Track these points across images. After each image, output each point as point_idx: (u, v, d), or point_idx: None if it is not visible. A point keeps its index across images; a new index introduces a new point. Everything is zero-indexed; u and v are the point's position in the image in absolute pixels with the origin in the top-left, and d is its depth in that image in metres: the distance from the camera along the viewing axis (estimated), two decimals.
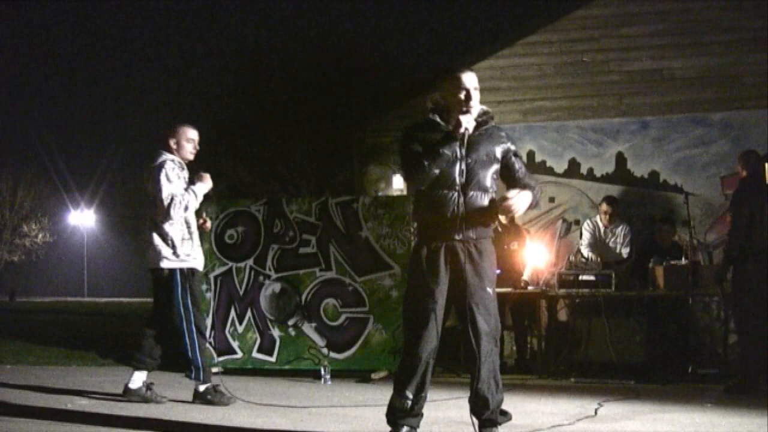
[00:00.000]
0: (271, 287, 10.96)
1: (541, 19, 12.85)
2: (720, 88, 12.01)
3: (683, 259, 10.31)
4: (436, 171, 5.75)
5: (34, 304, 42.79)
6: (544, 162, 12.58)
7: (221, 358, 10.92)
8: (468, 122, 5.79)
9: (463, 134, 5.75)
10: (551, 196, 12.45)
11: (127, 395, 8.07)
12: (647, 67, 12.30)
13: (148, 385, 8.15)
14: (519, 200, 5.79)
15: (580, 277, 10.42)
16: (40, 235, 59.09)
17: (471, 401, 5.88)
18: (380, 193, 12.54)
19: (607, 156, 12.40)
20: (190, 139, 8.22)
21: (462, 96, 5.88)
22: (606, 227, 11.39)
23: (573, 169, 12.47)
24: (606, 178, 12.31)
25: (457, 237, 5.80)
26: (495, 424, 5.91)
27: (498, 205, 5.84)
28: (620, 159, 12.32)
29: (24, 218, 58.47)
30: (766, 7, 11.70)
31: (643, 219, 11.99)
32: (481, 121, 5.97)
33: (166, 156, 8.11)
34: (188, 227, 8.17)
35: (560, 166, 12.52)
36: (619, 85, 12.40)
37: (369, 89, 20.96)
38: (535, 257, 11.23)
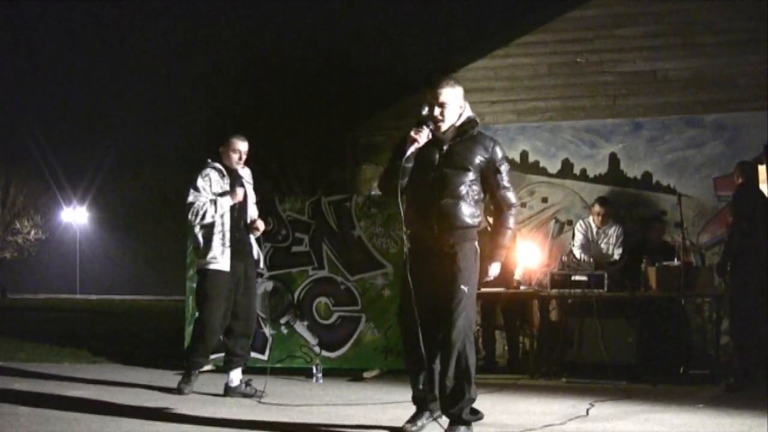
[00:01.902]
0: (264, 285, 10.95)
1: (535, 20, 12.85)
2: (713, 89, 12.02)
3: (675, 260, 10.32)
4: (403, 182, 6.09)
5: (26, 301, 42.70)
6: (537, 162, 12.58)
7: (213, 356, 10.89)
8: (419, 134, 6.05)
9: (412, 144, 6.05)
10: (544, 197, 12.48)
11: (230, 393, 8.53)
12: (641, 68, 12.31)
13: (247, 382, 8.62)
14: (492, 273, 6.29)
15: (573, 278, 10.42)
16: (32, 232, 59.00)
17: (440, 397, 6.12)
18: (373, 193, 12.53)
19: (600, 157, 12.41)
20: (236, 149, 8.63)
21: (427, 110, 6.20)
22: (598, 228, 11.40)
23: (566, 170, 12.48)
24: (599, 179, 12.32)
25: (433, 243, 6.08)
26: (463, 422, 6.06)
27: (481, 271, 6.25)
28: (613, 160, 12.34)
29: (16, 215, 58.35)
30: (760, 8, 11.71)
31: (635, 220, 12.00)
32: (462, 130, 6.20)
33: (210, 163, 8.65)
34: (215, 231, 8.51)
35: (553, 167, 12.53)
36: (612, 86, 12.41)
37: (363, 88, 20.94)
38: (527, 257, 11.24)
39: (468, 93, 11.98)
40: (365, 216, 10.78)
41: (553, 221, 12.27)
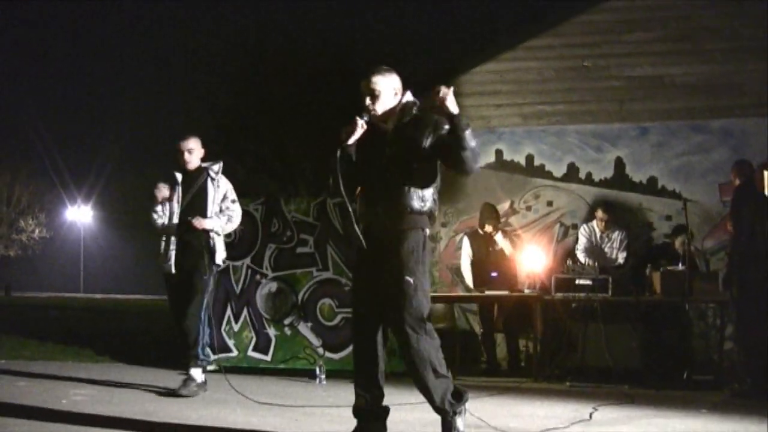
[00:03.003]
0: (268, 286, 10.98)
1: (543, 24, 12.84)
2: (720, 95, 12.02)
3: (680, 265, 10.31)
4: (337, 179, 5.86)
5: (30, 300, 42.75)
6: (542, 166, 12.58)
7: (217, 357, 10.92)
8: (353, 125, 5.89)
9: (349, 136, 5.88)
10: (549, 200, 12.47)
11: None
12: (648, 74, 12.30)
13: (185, 380, 8.60)
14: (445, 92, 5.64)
15: (577, 281, 10.43)
16: (36, 231, 59.15)
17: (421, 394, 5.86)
18: None
19: (606, 161, 12.40)
20: (180, 150, 8.79)
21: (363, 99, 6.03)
22: (602, 233, 11.41)
23: (572, 174, 12.48)
24: (604, 183, 12.32)
25: (379, 231, 5.85)
26: (447, 412, 5.77)
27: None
28: (619, 164, 12.33)
29: (21, 213, 58.52)
30: (767, 15, 11.70)
31: (641, 225, 12.00)
32: (402, 114, 5.99)
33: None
34: (162, 234, 8.82)
35: (559, 171, 12.52)
36: (619, 91, 12.40)
37: None
38: (532, 261, 11.23)
39: (474, 95, 12.02)
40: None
41: (558, 225, 12.27)
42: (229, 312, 11.04)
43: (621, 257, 11.24)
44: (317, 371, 10.12)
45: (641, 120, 12.30)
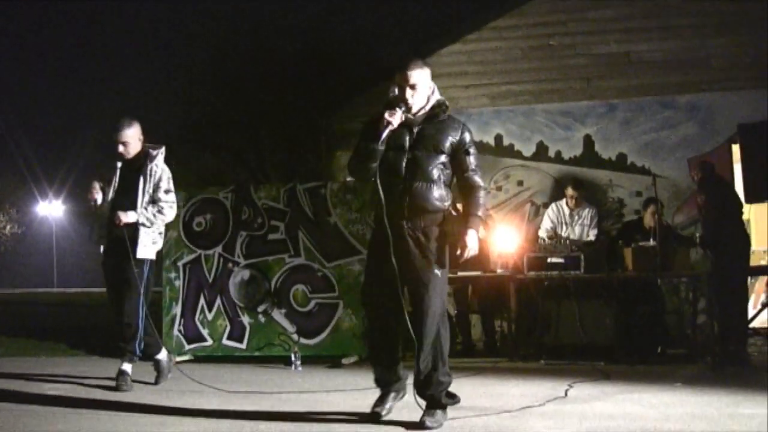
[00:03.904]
0: (240, 274, 10.94)
1: (507, 4, 12.86)
2: (687, 71, 12.07)
3: (651, 240, 10.34)
4: (373, 165, 6.10)
5: (3, 296, 42.46)
6: (512, 146, 12.60)
7: (191, 346, 10.91)
8: (393, 116, 6.04)
9: (386, 127, 6.03)
10: (519, 180, 12.51)
11: None
12: (614, 51, 12.35)
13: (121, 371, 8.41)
14: (471, 242, 6.17)
15: (549, 260, 10.44)
16: (8, 227, 58.75)
17: (415, 380, 6.14)
18: (349, 179, 12.51)
19: (574, 139, 12.44)
20: (115, 141, 8.48)
21: (396, 92, 6.21)
22: (572, 210, 11.42)
23: (541, 153, 12.51)
24: (574, 161, 12.36)
25: (403, 224, 6.08)
26: (439, 404, 6.10)
27: (454, 246, 6.22)
28: (588, 142, 12.37)
29: None
30: None
31: (611, 201, 12.05)
32: (432, 114, 6.25)
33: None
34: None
35: (528, 150, 12.55)
36: (586, 69, 12.44)
37: (336, 75, 20.88)
38: (504, 240, 11.23)
39: (441, 77, 11.99)
40: (341, 203, 10.78)
41: (529, 204, 12.31)
42: (202, 301, 10.99)
43: (592, 234, 11.25)
44: (292, 358, 10.11)
45: (609, 97, 12.35)
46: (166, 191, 8.48)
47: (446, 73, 12.50)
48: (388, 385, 6.36)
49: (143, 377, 8.69)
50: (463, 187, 6.35)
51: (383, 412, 6.25)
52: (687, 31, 12.09)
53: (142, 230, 8.34)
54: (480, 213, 6.28)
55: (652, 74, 12.19)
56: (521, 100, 12.64)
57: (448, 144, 6.17)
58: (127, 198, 8.36)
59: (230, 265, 11.00)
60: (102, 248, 8.51)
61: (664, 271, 10.16)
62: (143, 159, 8.46)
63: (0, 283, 55.94)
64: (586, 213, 11.39)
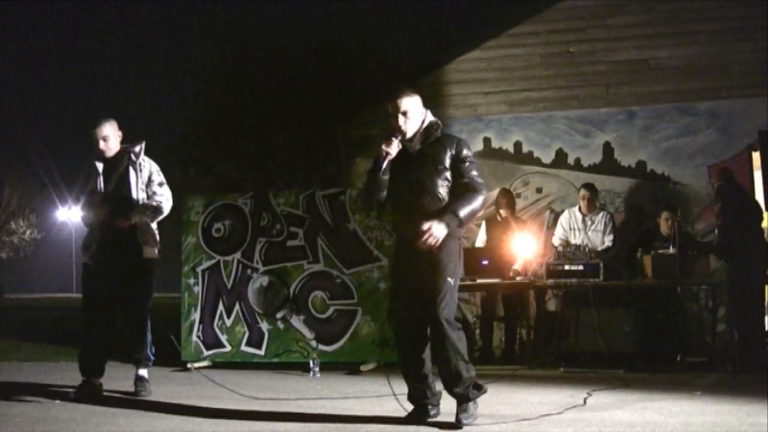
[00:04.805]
0: (259, 280, 10.95)
1: (527, 10, 12.84)
2: (706, 77, 12.03)
3: (671, 248, 10.30)
4: (383, 194, 6.51)
5: (23, 301, 42.69)
6: (531, 153, 12.58)
7: (210, 352, 10.91)
8: (390, 146, 6.39)
9: (386, 157, 6.39)
10: (539, 187, 12.48)
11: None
12: (633, 57, 12.31)
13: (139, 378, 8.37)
14: (436, 232, 6.21)
15: (568, 267, 10.41)
16: (28, 232, 58.93)
17: (443, 380, 6.43)
18: None
19: (594, 146, 12.41)
20: (93, 139, 8.25)
21: (390, 122, 6.50)
22: (584, 216, 11.33)
23: (560, 160, 12.48)
24: (593, 168, 12.32)
25: (414, 238, 6.27)
26: (468, 398, 6.41)
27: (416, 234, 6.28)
28: (607, 149, 12.34)
29: (12, 215, 58.27)
30: None
31: (630, 209, 12.01)
32: (428, 134, 6.55)
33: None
34: (88, 224, 8.35)
35: (547, 157, 12.53)
36: (605, 76, 12.41)
37: (355, 82, 20.92)
38: (523, 248, 11.21)
39: (460, 84, 12.05)
40: (360, 209, 10.77)
41: (548, 211, 12.27)
42: (221, 307, 11.00)
43: (608, 240, 11.15)
44: (311, 364, 10.11)
45: (628, 104, 12.31)
46: (160, 184, 8.30)
47: (465, 80, 12.52)
48: (421, 399, 6.55)
49: (162, 383, 8.71)
50: (458, 189, 6.46)
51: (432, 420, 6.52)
52: (706, 37, 12.05)
53: (143, 229, 8.15)
54: (462, 214, 6.29)
55: (671, 81, 12.15)
56: (540, 107, 12.62)
57: (447, 158, 6.46)
58: (120, 198, 8.11)
59: (249, 271, 11.01)
60: (88, 256, 8.16)
61: (683, 278, 10.13)
62: (126, 157, 8.21)
63: (20, 288, 56.26)
64: (600, 218, 11.26)
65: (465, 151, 6.50)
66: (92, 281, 8.16)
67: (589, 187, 11.39)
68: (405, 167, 6.45)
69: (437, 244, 6.23)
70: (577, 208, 11.40)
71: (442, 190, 6.40)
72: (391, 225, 6.73)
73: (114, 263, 8.04)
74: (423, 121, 6.56)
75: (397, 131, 6.42)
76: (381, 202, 6.57)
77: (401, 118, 6.42)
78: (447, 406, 6.57)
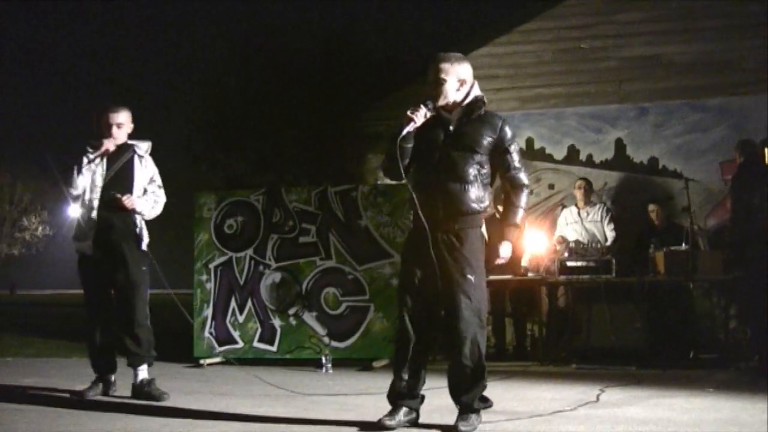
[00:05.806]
0: (272, 277, 10.98)
1: (538, 7, 12.85)
2: (718, 73, 12.01)
3: (683, 244, 10.29)
4: (404, 163, 5.87)
5: (35, 297, 42.80)
6: (543, 149, 12.58)
7: (222, 348, 10.94)
8: (416, 114, 5.84)
9: (409, 123, 5.81)
10: (551, 183, 12.48)
11: (134, 394, 7.85)
12: (645, 53, 12.30)
13: (149, 382, 7.91)
14: (504, 253, 6.11)
15: (581, 264, 10.41)
16: (39, 228, 59.17)
17: (450, 385, 6.02)
18: (379, 182, 12.53)
19: (605, 142, 12.40)
20: (106, 123, 7.94)
21: (428, 86, 6.00)
22: (580, 209, 11.36)
23: (572, 156, 12.48)
24: (605, 165, 12.32)
25: (436, 226, 5.84)
26: (474, 410, 5.93)
27: (494, 249, 6.09)
28: (619, 145, 12.33)
29: (24, 211, 58.50)
30: None
31: (642, 204, 12.00)
32: (469, 110, 6.00)
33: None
34: (81, 211, 8.12)
35: (559, 153, 12.53)
36: (616, 72, 12.40)
37: (365, 78, 20.90)
38: (535, 244, 11.22)
39: None
40: (371, 205, 10.80)
41: (560, 208, 12.25)
42: (233, 303, 11.04)
43: (608, 230, 11.14)
44: (323, 360, 10.13)
45: (640, 100, 12.30)
46: (159, 186, 8.12)
47: (476, 77, 12.39)
48: (404, 398, 6.07)
49: (176, 378, 8.73)
50: (505, 187, 6.16)
51: (392, 423, 5.96)
52: (717, 33, 12.04)
53: (139, 220, 7.92)
54: (518, 220, 6.09)
55: (683, 77, 12.14)
56: (552, 104, 12.63)
57: (485, 143, 5.91)
58: (120, 186, 7.85)
59: (261, 267, 11.04)
60: (84, 247, 7.92)
61: (695, 274, 10.12)
62: (131, 150, 8.01)
63: (31, 284, 56.38)
64: (596, 209, 11.31)
65: (508, 135, 5.98)
66: (91, 271, 7.89)
67: (584, 179, 11.47)
68: (436, 141, 5.91)
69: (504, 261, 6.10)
70: (573, 205, 11.46)
71: (472, 172, 5.84)
72: (408, 203, 6.03)
73: (113, 250, 7.81)
74: (468, 95, 6.02)
75: (429, 100, 5.90)
76: (403, 171, 5.88)
77: (437, 86, 5.91)
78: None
